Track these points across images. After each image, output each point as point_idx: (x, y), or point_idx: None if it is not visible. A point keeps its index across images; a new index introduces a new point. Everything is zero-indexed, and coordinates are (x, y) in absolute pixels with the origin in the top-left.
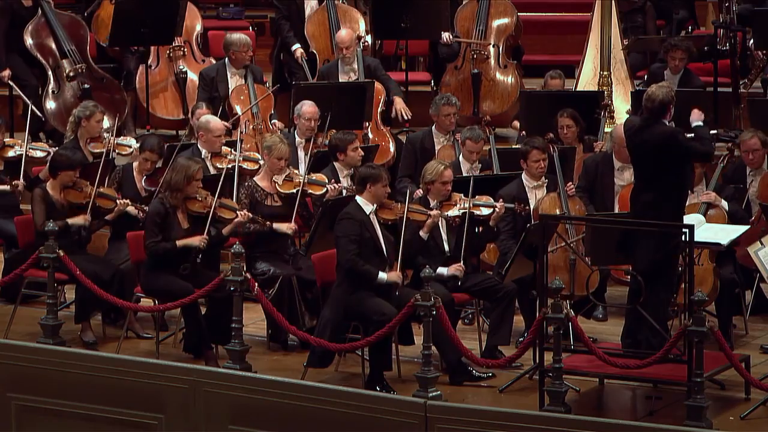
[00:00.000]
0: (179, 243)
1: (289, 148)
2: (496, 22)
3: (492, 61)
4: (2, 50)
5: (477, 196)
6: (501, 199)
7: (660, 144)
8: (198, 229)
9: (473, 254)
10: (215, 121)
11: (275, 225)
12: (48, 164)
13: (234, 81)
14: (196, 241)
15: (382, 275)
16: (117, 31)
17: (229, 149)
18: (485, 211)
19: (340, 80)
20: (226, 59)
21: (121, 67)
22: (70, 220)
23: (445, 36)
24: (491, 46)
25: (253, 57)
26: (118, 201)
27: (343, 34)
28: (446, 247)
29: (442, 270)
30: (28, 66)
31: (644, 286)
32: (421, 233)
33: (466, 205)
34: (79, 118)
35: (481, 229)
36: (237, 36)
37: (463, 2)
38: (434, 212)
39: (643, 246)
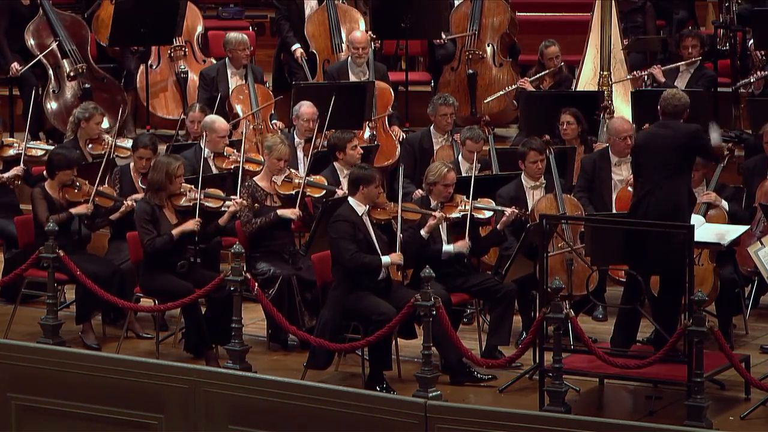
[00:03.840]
0: (175, 232)
1: (289, 149)
2: (490, 21)
3: (488, 60)
4: (6, 46)
5: (479, 199)
6: (511, 205)
7: (687, 139)
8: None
9: (474, 256)
10: (220, 122)
11: (279, 211)
12: (45, 165)
13: (234, 81)
14: (191, 225)
15: (385, 259)
16: (117, 31)
17: (233, 149)
18: (487, 214)
19: (351, 81)
20: (227, 59)
21: (122, 67)
22: (73, 210)
23: (441, 36)
24: (486, 45)
25: (253, 57)
26: (125, 203)
27: (358, 34)
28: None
29: (448, 248)
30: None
31: (645, 285)
32: (422, 232)
33: (468, 208)
34: (78, 119)
35: (486, 232)
36: (234, 35)
37: (456, 3)
38: (438, 214)
39: (661, 249)
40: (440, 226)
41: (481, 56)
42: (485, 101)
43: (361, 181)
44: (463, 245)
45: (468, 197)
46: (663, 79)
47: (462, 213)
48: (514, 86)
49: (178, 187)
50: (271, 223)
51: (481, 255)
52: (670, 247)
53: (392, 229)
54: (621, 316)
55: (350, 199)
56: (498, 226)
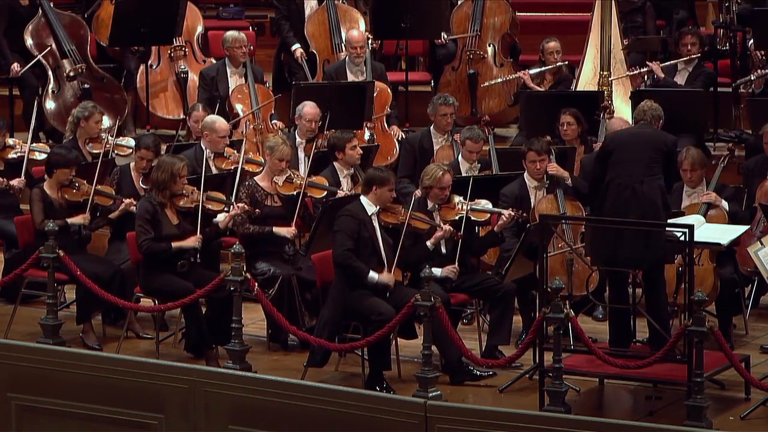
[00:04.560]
0: (174, 245)
1: (291, 149)
2: (491, 21)
3: (489, 59)
4: (5, 47)
5: (476, 200)
6: (508, 206)
7: (664, 145)
8: (187, 223)
9: (473, 256)
10: (221, 122)
11: (275, 229)
12: (44, 163)
13: (234, 80)
14: (191, 242)
15: (373, 275)
16: (117, 31)
17: (233, 150)
18: (484, 216)
19: (349, 80)
20: (225, 58)
21: (122, 67)
22: (69, 220)
23: (443, 36)
24: (487, 45)
25: (253, 57)
26: (124, 201)
27: (356, 33)
28: (443, 249)
29: (436, 271)
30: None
31: (645, 286)
32: (428, 244)
33: (464, 208)
34: (77, 118)
35: (483, 233)
36: (231, 33)
37: (459, 3)
38: (447, 227)
39: (648, 245)
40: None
41: (482, 56)
42: (483, 84)
43: (375, 181)
44: (450, 271)
45: (466, 198)
46: (662, 75)
47: (459, 216)
48: (514, 75)
49: (180, 188)
50: (264, 237)
51: (479, 255)
52: (653, 244)
53: (399, 233)
54: (612, 316)
55: (362, 198)
56: (495, 229)
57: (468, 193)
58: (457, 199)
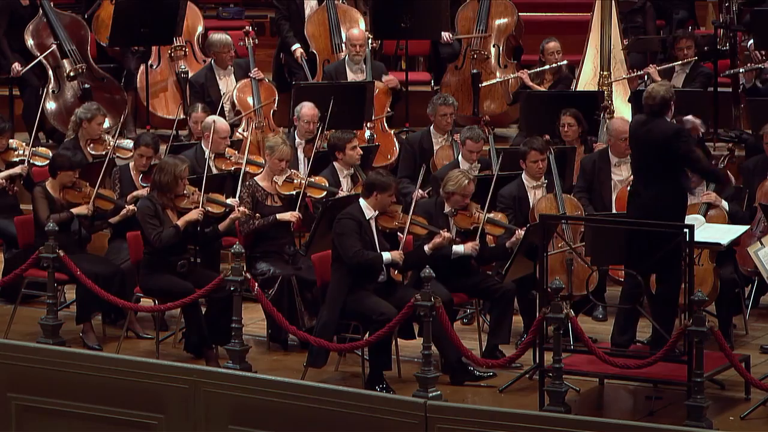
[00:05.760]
0: (180, 222)
1: (290, 149)
2: (497, 22)
3: (492, 61)
4: (6, 47)
5: (493, 213)
6: (506, 208)
7: (662, 141)
8: (188, 224)
9: (480, 264)
10: (221, 122)
11: (278, 215)
12: (48, 163)
13: (224, 83)
14: (195, 214)
15: (386, 255)
16: (117, 31)
17: (234, 150)
18: (497, 231)
19: (349, 79)
20: (212, 61)
21: (122, 67)
22: (74, 210)
23: (445, 36)
24: (492, 46)
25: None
26: (126, 207)
27: (356, 32)
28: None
29: (458, 248)
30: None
31: (644, 285)
32: (426, 248)
33: (481, 218)
34: (80, 119)
35: (493, 244)
36: (217, 36)
37: (465, 2)
38: (446, 234)
39: (648, 246)
40: (449, 227)
41: (486, 56)
42: (481, 84)
43: (376, 187)
44: (472, 248)
45: (482, 207)
46: (659, 79)
47: (474, 226)
48: (513, 75)
49: (182, 189)
50: (269, 226)
51: (485, 265)
52: (663, 246)
53: (397, 238)
54: (620, 315)
55: (361, 201)
56: (507, 244)
57: (487, 203)
58: (475, 207)
